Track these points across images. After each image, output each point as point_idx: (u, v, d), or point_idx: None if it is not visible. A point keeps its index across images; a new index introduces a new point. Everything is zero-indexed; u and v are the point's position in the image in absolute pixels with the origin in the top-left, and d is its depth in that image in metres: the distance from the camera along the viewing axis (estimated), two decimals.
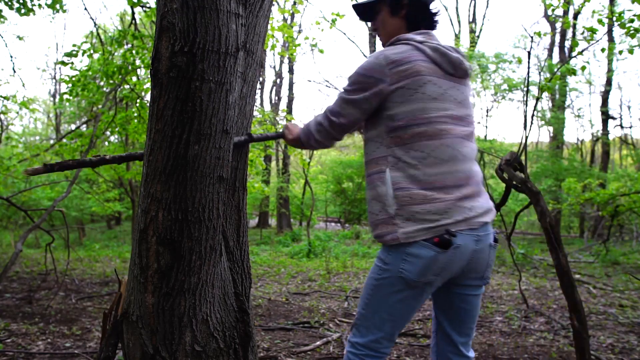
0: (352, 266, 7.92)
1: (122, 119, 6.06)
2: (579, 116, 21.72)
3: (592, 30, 4.02)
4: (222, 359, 1.77)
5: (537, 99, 4.42)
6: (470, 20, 18.45)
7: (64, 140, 7.17)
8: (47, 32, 50.40)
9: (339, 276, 6.92)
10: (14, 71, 8.24)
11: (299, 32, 16.52)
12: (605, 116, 16.44)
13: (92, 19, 6.42)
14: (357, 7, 1.83)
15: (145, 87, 6.09)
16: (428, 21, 1.71)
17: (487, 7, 28.81)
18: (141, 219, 1.69)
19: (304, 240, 12.20)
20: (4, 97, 7.54)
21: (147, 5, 5.13)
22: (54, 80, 25.02)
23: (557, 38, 16.50)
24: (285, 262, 8.81)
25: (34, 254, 9.86)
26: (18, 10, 5.59)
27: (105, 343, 1.85)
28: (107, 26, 15.40)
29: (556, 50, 17.23)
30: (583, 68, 4.41)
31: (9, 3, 5.51)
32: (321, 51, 6.04)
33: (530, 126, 3.98)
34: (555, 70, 6.61)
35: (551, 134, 18.36)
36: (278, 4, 6.02)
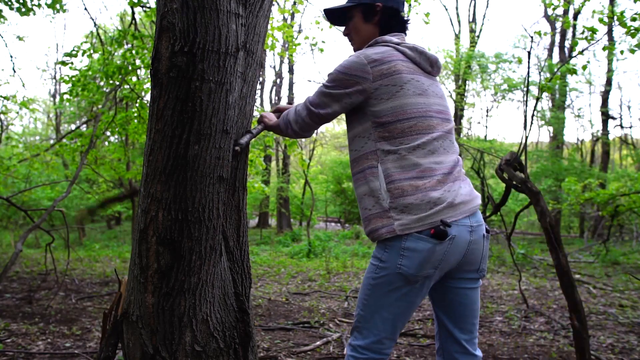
0: (352, 266, 7.92)
1: (122, 119, 6.06)
2: (579, 116, 21.76)
3: (593, 30, 4.02)
4: (222, 359, 1.77)
5: (537, 99, 4.42)
6: (470, 20, 18.44)
7: (64, 140, 7.18)
8: (47, 32, 50.43)
9: (339, 276, 6.92)
10: (14, 71, 8.23)
11: (299, 32, 16.52)
12: (605, 116, 16.45)
13: (92, 19, 6.41)
14: (328, 12, 1.85)
15: (145, 87, 6.08)
16: (400, 26, 1.78)
17: (487, 7, 28.74)
18: (141, 219, 1.69)
19: (304, 240, 12.20)
20: (4, 97, 7.55)
21: (147, 5, 5.13)
22: (54, 80, 25.04)
23: (557, 38, 16.51)
24: (285, 262, 8.81)
25: (34, 254, 9.86)
26: (18, 10, 5.59)
27: (105, 343, 1.85)
28: (107, 26, 15.40)
29: (556, 50, 17.25)
30: (584, 67, 4.40)
31: (9, 3, 5.51)
32: (321, 50, 6.03)
33: (530, 126, 3.97)
34: (555, 70, 6.61)
35: (551, 134, 18.38)
36: (278, 4, 6.01)
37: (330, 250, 10.29)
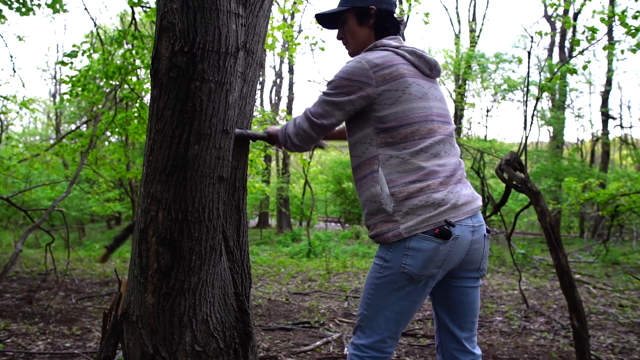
0: (352, 266, 7.92)
1: (122, 119, 6.06)
2: (579, 116, 21.74)
3: (594, 30, 4.02)
4: (222, 359, 1.77)
5: (537, 99, 4.42)
6: (470, 20, 18.44)
7: (64, 140, 7.18)
8: (47, 32, 50.46)
9: (339, 276, 6.92)
10: (14, 71, 8.24)
11: (299, 31, 16.51)
12: (605, 116, 16.45)
13: (92, 19, 6.41)
14: (320, 17, 1.84)
15: (145, 87, 6.09)
16: (395, 28, 1.77)
17: (487, 7, 28.73)
18: (141, 219, 1.69)
19: (304, 240, 12.20)
20: (4, 97, 7.55)
21: (147, 5, 5.13)
22: (54, 80, 25.05)
23: (557, 38, 16.50)
24: (285, 262, 8.81)
25: (34, 254, 9.86)
26: (18, 10, 5.58)
27: (105, 343, 1.85)
28: (107, 26, 15.40)
29: (556, 50, 17.25)
30: (584, 67, 4.40)
31: (9, 3, 5.51)
32: (322, 49, 6.04)
33: (530, 126, 3.98)
34: (556, 70, 6.61)
35: (551, 134, 18.38)
36: (278, 4, 6.01)
37: (330, 250, 10.29)
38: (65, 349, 3.29)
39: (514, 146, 18.54)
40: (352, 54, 1.81)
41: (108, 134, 7.28)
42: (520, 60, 9.16)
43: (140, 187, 1.76)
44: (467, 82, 17.97)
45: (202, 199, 1.66)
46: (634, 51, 4.14)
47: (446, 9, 29.87)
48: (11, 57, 10.32)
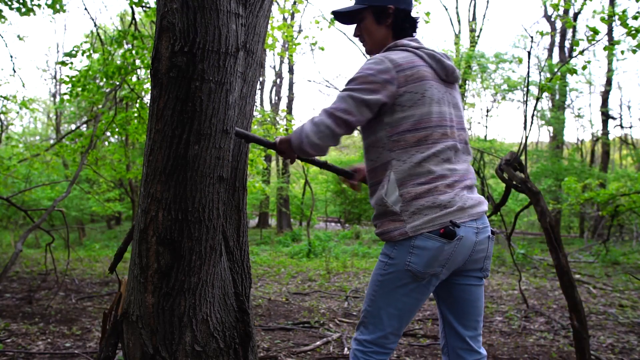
0: (352, 266, 7.92)
1: (122, 119, 6.06)
2: (579, 116, 21.74)
3: (595, 31, 4.01)
4: (222, 359, 1.77)
5: (537, 99, 4.42)
6: (470, 20, 18.44)
7: (64, 140, 7.18)
8: (47, 32, 50.43)
9: (339, 276, 6.92)
10: (14, 71, 8.24)
11: (299, 31, 16.52)
12: (605, 116, 16.45)
13: (92, 19, 6.41)
14: (336, 13, 1.81)
15: (145, 87, 6.09)
16: (412, 28, 1.76)
17: (487, 7, 28.71)
18: (141, 219, 1.69)
19: (304, 240, 12.19)
20: (4, 97, 7.56)
21: (147, 5, 5.13)
22: (54, 80, 25.05)
23: (557, 38, 16.50)
24: (285, 262, 8.81)
25: (34, 254, 9.86)
26: (18, 10, 5.58)
27: (105, 343, 1.85)
28: (107, 26, 15.39)
29: (556, 50, 17.24)
30: (584, 67, 4.40)
31: (9, 3, 5.51)
32: (322, 48, 6.05)
33: (530, 126, 3.98)
34: (556, 70, 6.61)
35: (551, 134, 18.38)
36: (278, 4, 6.01)
37: (330, 250, 10.29)
38: (65, 349, 3.29)
39: (514, 146, 18.54)
40: (369, 52, 1.79)
41: (108, 134, 7.29)
42: (520, 60, 9.17)
43: (140, 187, 1.76)
44: (467, 82, 17.97)
45: (202, 199, 1.66)
46: (634, 51, 4.14)
47: (446, 9, 29.82)
48: (11, 57, 10.33)
